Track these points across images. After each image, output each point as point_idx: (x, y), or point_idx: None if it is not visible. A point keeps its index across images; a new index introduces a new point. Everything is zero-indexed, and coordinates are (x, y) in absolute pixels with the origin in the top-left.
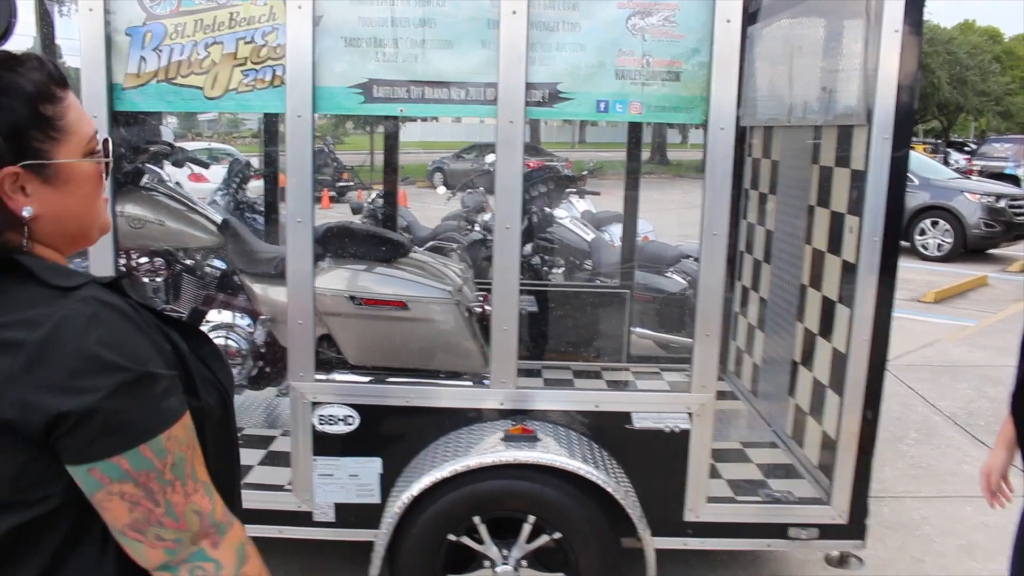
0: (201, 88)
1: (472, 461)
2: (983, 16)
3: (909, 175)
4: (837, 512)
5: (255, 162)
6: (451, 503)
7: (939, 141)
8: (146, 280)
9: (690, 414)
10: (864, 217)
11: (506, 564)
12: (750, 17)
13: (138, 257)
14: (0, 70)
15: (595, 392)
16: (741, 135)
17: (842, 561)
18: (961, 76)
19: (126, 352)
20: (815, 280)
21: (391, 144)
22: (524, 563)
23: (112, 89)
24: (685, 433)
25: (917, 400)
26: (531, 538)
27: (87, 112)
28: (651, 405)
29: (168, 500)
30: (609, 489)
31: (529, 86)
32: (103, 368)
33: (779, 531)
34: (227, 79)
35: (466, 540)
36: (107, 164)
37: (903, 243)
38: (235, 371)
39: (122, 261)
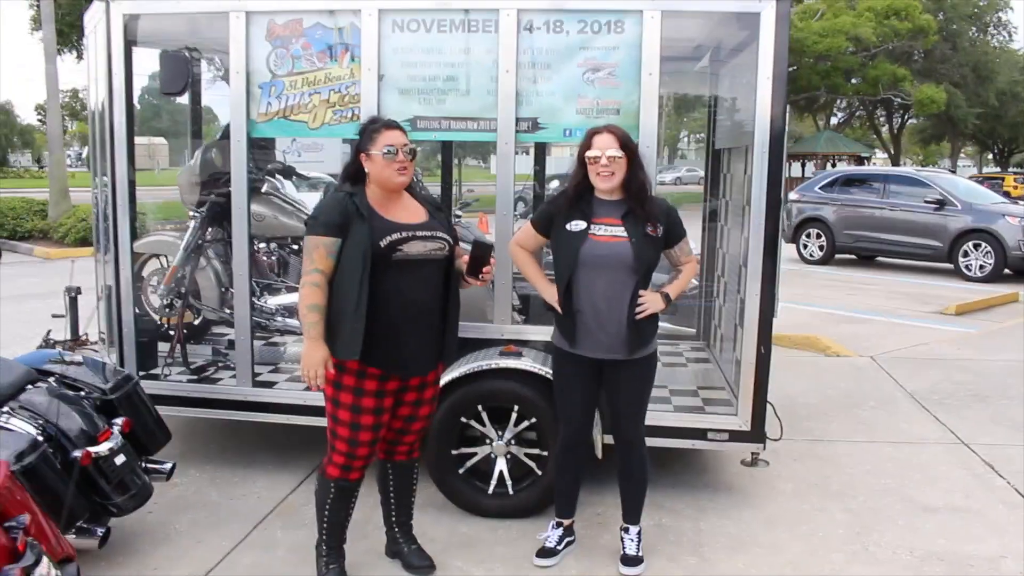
0: (306, 122)
1: (474, 366)
2: None
3: (953, 200)
4: (742, 420)
5: None
6: (463, 395)
7: None
8: (264, 259)
9: None
10: (752, 208)
11: (500, 440)
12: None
13: (258, 243)
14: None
15: None
16: (717, 156)
17: (753, 463)
18: None
19: None
20: (744, 260)
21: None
22: (512, 441)
23: (250, 123)
24: None
25: (889, 382)
26: (517, 422)
27: (390, 136)
28: None
29: None
30: None
31: (518, 119)
32: None
33: (700, 434)
34: (323, 116)
35: (473, 423)
36: (402, 159)
37: (947, 264)
38: None
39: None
